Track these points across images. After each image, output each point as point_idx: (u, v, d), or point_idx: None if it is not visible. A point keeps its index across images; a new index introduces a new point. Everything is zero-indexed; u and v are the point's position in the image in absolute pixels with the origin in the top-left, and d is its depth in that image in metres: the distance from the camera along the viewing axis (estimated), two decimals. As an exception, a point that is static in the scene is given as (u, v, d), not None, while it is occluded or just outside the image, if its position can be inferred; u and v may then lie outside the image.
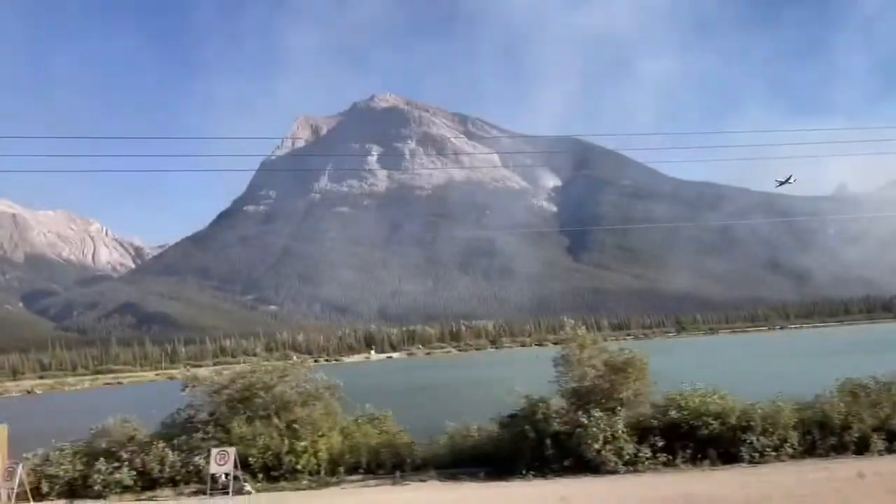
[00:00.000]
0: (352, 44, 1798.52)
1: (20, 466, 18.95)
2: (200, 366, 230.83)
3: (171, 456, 19.39)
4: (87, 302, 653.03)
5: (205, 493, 18.41)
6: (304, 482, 18.37)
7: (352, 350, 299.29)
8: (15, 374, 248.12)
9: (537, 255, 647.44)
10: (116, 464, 19.39)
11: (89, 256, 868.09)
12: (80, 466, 19.74)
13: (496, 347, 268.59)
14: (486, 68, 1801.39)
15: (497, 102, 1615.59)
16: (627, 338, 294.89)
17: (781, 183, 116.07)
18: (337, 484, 18.06)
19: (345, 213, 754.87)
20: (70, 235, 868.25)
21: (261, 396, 19.97)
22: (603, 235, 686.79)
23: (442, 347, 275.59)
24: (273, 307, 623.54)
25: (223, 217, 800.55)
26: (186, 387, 21.29)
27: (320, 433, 19.22)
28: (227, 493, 17.95)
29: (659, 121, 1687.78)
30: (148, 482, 19.24)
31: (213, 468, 18.05)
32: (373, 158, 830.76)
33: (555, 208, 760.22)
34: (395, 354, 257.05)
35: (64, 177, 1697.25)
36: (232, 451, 18.13)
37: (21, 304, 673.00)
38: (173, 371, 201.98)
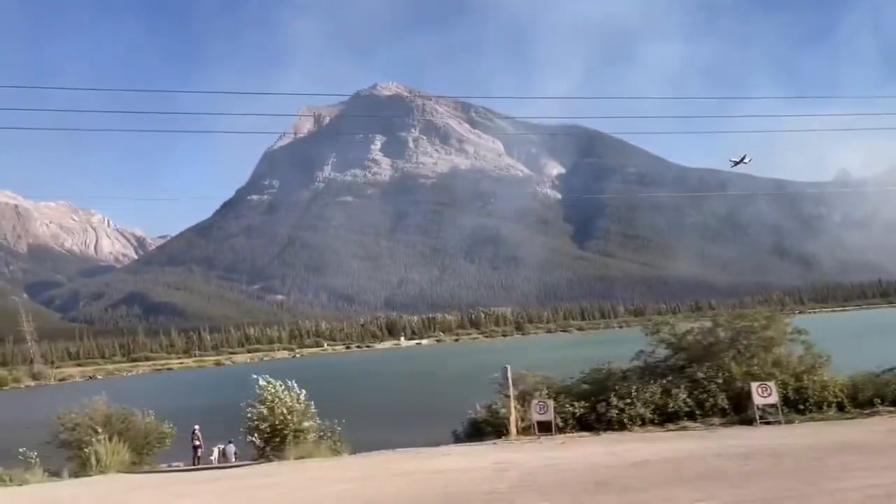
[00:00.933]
0: (354, 32, 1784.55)
1: (552, 401, 19.74)
2: (235, 353, 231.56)
3: (682, 392, 20.17)
4: (92, 292, 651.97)
5: (738, 424, 19.23)
6: (832, 413, 19.18)
7: (374, 337, 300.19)
8: (46, 361, 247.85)
9: (542, 243, 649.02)
10: (628, 400, 20.16)
11: (92, 247, 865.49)
12: (584, 404, 20.50)
13: (522, 333, 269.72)
14: (490, 56, 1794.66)
15: (500, 90, 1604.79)
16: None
17: (736, 163, 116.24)
18: (877, 413, 18.82)
19: (349, 203, 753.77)
20: (72, 226, 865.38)
21: (748, 339, 20.77)
22: (607, 223, 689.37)
23: (468, 334, 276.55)
24: (280, 297, 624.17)
25: (227, 207, 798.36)
26: (655, 332, 22.05)
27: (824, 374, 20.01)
28: (769, 422, 18.75)
29: (664, 107, 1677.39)
30: (662, 416, 20.03)
31: (757, 400, 18.88)
32: (376, 147, 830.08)
33: (559, 196, 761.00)
34: (423, 341, 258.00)
35: (65, 167, 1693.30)
36: (772, 384, 18.94)
37: (25, 295, 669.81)
38: (218, 357, 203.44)
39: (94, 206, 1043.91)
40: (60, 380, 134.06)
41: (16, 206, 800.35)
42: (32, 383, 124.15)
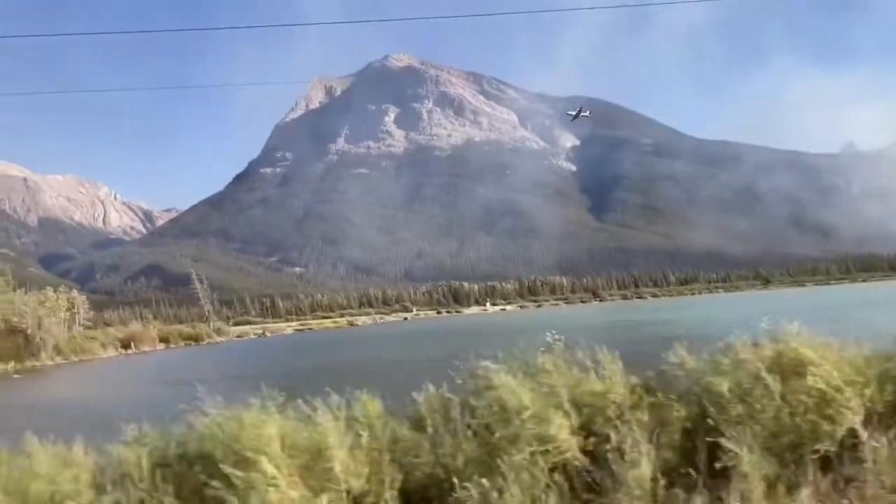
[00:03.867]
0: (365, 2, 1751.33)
1: None
2: (328, 317, 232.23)
3: None
4: (107, 265, 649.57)
5: None
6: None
7: (440, 304, 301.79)
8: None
9: (559, 215, 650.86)
10: None
11: (100, 220, 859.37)
12: None
13: (599, 300, 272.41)
14: (503, 25, 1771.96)
15: (514, 60, 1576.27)
16: (719, 290, 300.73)
17: (574, 116, 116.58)
18: None
19: (364, 175, 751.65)
20: (80, 199, 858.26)
21: None
22: (624, 195, 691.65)
23: (546, 300, 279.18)
24: (298, 269, 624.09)
25: (239, 179, 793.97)
26: None
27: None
28: None
29: (682, 76, 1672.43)
30: None
31: None
32: (389, 119, 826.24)
33: (574, 168, 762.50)
34: (508, 307, 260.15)
35: (71, 140, 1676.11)
36: None
37: (41, 268, 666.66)
38: (350, 318, 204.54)
39: (100, 178, 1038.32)
40: (237, 336, 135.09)
41: (25, 178, 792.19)
42: (222, 339, 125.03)
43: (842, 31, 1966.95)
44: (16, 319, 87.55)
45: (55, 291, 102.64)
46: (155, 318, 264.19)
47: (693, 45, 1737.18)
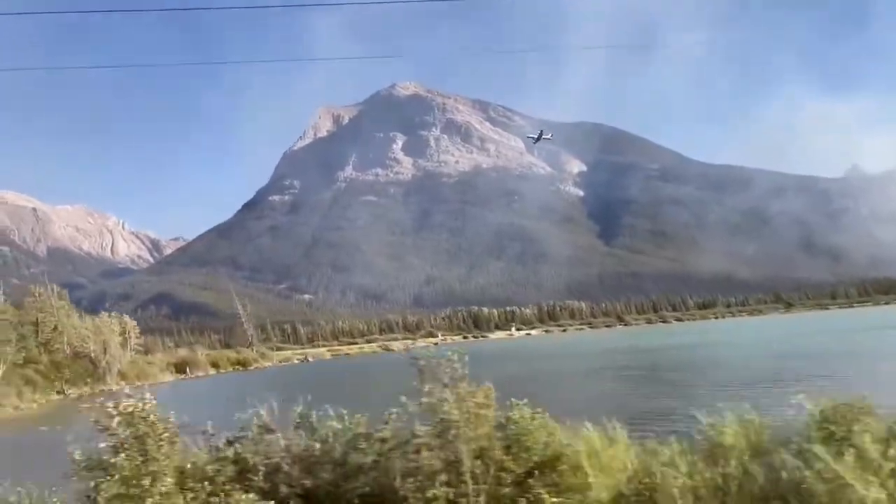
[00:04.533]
0: (372, 31, 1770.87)
1: None
2: (355, 343, 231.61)
3: None
4: (117, 294, 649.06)
5: None
6: None
7: (460, 329, 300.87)
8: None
9: (568, 240, 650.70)
10: None
11: (108, 249, 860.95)
12: None
13: (624, 325, 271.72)
14: (509, 53, 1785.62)
15: (520, 88, 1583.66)
16: (742, 314, 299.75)
17: (536, 139, 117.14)
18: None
19: (372, 202, 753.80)
20: (88, 229, 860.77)
21: None
22: (632, 220, 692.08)
23: (570, 325, 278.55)
24: (307, 296, 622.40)
25: (248, 208, 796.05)
26: None
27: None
28: None
29: (689, 102, 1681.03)
30: None
31: None
32: (397, 147, 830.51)
33: (581, 193, 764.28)
34: (532, 332, 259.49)
35: (80, 170, 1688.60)
36: None
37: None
38: (386, 343, 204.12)
39: (108, 208, 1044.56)
40: (280, 361, 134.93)
41: (34, 209, 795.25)
42: (267, 364, 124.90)
43: (850, 58, 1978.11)
44: (77, 344, 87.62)
45: (109, 316, 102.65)
46: (177, 345, 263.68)
47: (701, 72, 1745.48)
